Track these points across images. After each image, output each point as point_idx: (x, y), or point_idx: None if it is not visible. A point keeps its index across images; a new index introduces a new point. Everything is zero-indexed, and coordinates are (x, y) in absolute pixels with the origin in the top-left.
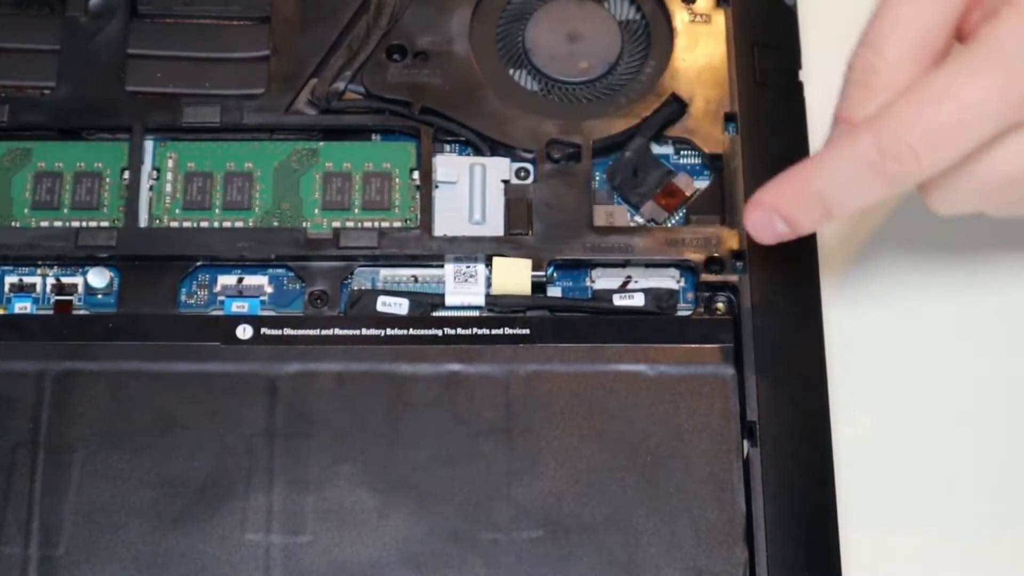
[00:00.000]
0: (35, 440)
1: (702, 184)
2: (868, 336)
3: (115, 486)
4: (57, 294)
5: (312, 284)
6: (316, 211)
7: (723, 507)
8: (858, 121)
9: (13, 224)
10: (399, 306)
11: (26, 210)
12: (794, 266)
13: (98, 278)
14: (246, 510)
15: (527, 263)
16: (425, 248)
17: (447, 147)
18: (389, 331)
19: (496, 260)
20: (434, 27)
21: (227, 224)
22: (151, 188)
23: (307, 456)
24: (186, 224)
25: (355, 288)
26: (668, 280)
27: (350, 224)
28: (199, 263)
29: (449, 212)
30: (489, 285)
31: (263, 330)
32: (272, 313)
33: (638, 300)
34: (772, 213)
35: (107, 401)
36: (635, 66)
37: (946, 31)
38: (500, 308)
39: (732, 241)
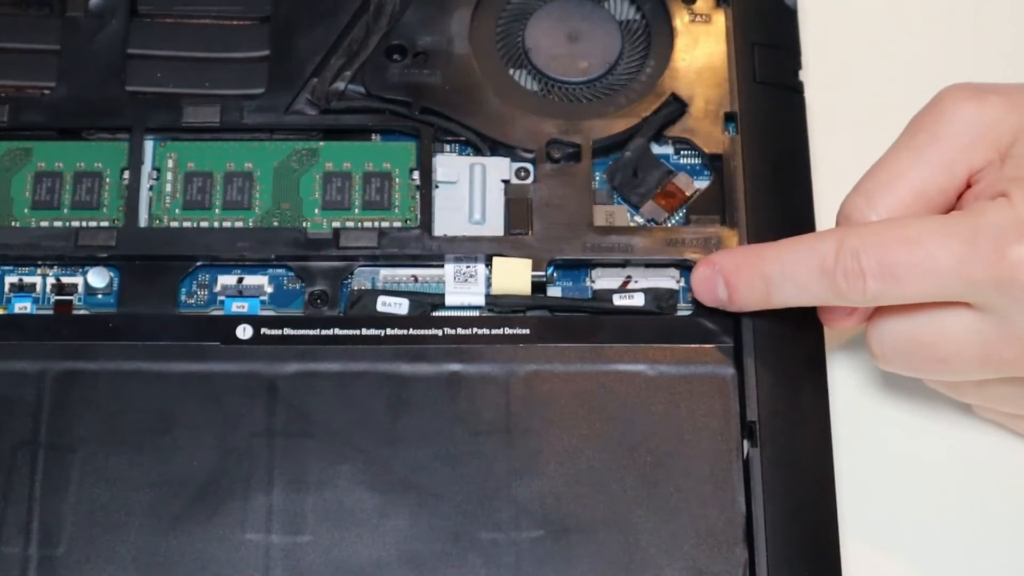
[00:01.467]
0: (35, 440)
1: (702, 184)
2: None
3: (115, 486)
4: (57, 294)
5: (312, 284)
6: (316, 211)
7: (723, 507)
8: None
9: (13, 224)
10: (399, 306)
11: (26, 210)
12: None
13: (98, 278)
14: (246, 510)
15: (527, 263)
16: (425, 248)
17: (447, 147)
18: (389, 331)
19: (496, 260)
20: (434, 27)
21: (227, 224)
22: (151, 188)
23: (307, 456)
24: (186, 224)
25: (355, 288)
26: (668, 280)
27: (350, 224)
28: (199, 263)
29: (449, 212)
30: (489, 285)
31: (263, 330)
32: (272, 313)
33: (638, 300)
34: (719, 276)
35: (107, 401)
36: (635, 66)
37: (944, 195)
38: (500, 308)
39: (732, 241)
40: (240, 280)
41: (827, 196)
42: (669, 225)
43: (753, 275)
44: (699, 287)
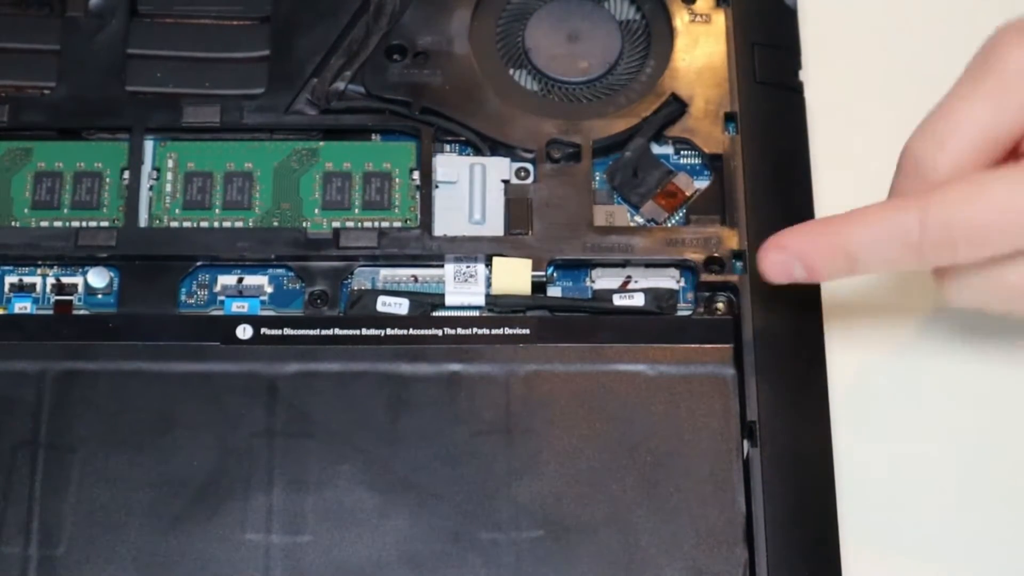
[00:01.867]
0: (35, 440)
1: (702, 184)
2: (869, 335)
3: (115, 486)
4: (57, 294)
5: (312, 284)
6: (316, 211)
7: (723, 507)
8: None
9: (13, 224)
10: (399, 306)
11: (26, 210)
12: None
13: (98, 278)
14: (246, 510)
15: (527, 263)
16: (425, 248)
17: (447, 147)
18: (389, 331)
19: (496, 260)
20: (434, 27)
21: (227, 224)
22: (151, 188)
23: (307, 456)
24: (186, 224)
25: (355, 288)
26: (668, 280)
27: (350, 224)
28: (199, 263)
29: (449, 212)
30: (489, 285)
31: (263, 330)
32: (272, 313)
33: (638, 300)
34: (793, 259)
35: (107, 401)
36: (635, 66)
37: (1011, 137)
38: (500, 308)
39: (732, 241)
40: (240, 280)
41: (827, 196)
42: (669, 225)
43: (835, 251)
44: (771, 270)
